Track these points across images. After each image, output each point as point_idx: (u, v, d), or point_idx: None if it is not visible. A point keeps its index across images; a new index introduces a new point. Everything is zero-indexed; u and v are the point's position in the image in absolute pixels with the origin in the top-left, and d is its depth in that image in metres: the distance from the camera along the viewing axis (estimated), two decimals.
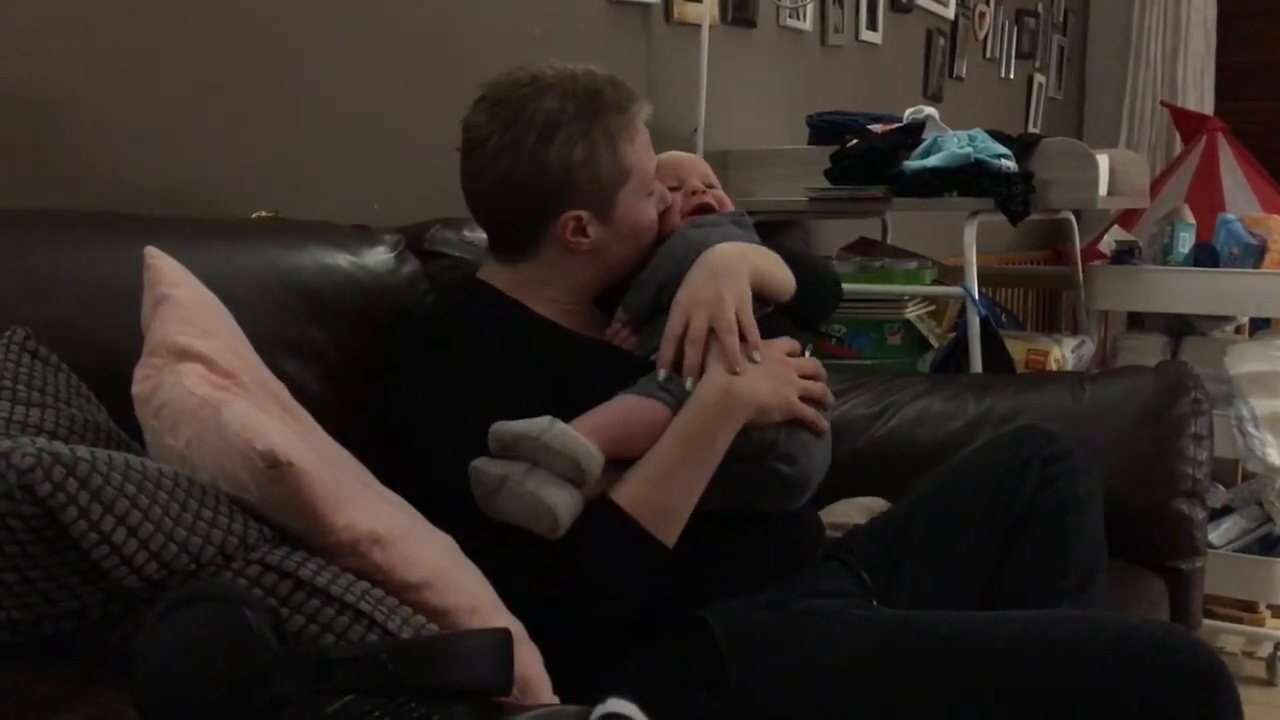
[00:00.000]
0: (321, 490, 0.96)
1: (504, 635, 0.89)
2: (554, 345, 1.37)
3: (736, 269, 1.40)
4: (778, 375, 1.36)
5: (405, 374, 1.36)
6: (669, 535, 1.27)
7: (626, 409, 1.30)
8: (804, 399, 1.37)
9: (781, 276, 1.46)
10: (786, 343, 1.42)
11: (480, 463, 1.19)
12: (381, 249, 1.58)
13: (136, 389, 1.07)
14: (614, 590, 1.25)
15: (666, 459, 1.28)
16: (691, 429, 1.29)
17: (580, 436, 1.19)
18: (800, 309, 1.51)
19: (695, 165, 1.59)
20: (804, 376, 1.39)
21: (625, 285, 1.47)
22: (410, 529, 1.07)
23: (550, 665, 1.07)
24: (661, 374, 1.34)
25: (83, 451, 0.88)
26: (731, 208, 1.58)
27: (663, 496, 1.27)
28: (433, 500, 1.17)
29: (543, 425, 1.19)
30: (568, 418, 1.23)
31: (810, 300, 1.53)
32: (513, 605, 1.10)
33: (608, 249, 1.44)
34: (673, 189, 1.53)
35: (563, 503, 1.17)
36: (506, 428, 1.19)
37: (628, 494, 1.26)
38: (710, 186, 1.57)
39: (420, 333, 1.40)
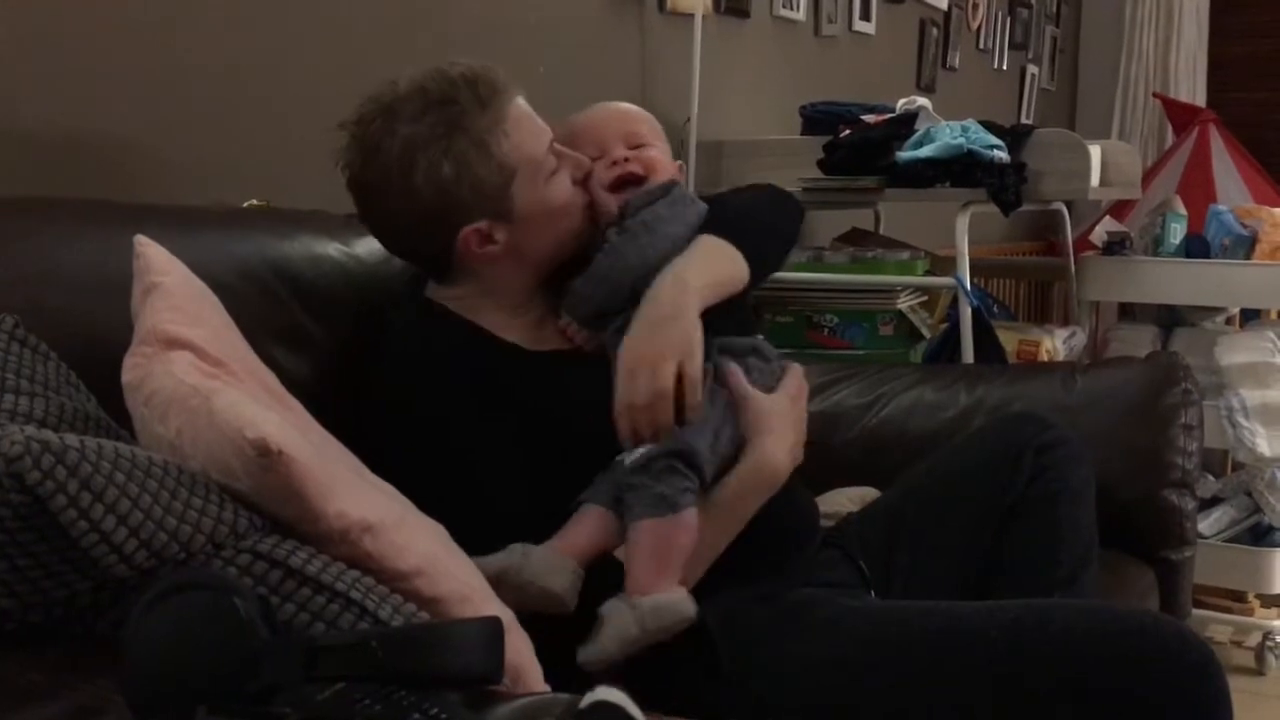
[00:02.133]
0: (312, 479, 0.96)
1: (495, 624, 0.89)
2: (510, 368, 1.35)
3: (681, 311, 1.29)
4: (798, 429, 1.36)
5: (371, 400, 1.34)
6: None
7: (664, 538, 1.22)
8: None
9: (732, 270, 1.37)
10: (797, 383, 1.39)
11: (474, 561, 1.15)
12: (373, 239, 1.58)
13: (126, 377, 1.07)
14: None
15: None
16: (726, 503, 1.29)
17: (554, 564, 1.18)
18: (762, 278, 1.44)
19: (621, 123, 1.42)
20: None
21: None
22: (401, 517, 1.06)
23: (541, 654, 1.07)
24: (627, 450, 1.28)
25: (72, 439, 0.88)
26: (669, 169, 1.41)
27: None
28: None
29: (516, 558, 1.17)
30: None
31: (769, 266, 1.46)
32: None
33: (527, 242, 1.37)
34: (595, 159, 1.38)
35: (566, 586, 1.18)
36: (483, 569, 1.14)
37: None
38: (639, 146, 1.40)
39: (381, 363, 1.36)
